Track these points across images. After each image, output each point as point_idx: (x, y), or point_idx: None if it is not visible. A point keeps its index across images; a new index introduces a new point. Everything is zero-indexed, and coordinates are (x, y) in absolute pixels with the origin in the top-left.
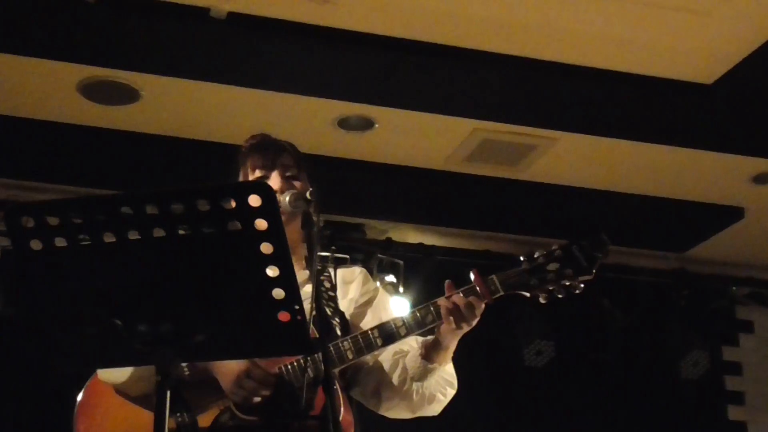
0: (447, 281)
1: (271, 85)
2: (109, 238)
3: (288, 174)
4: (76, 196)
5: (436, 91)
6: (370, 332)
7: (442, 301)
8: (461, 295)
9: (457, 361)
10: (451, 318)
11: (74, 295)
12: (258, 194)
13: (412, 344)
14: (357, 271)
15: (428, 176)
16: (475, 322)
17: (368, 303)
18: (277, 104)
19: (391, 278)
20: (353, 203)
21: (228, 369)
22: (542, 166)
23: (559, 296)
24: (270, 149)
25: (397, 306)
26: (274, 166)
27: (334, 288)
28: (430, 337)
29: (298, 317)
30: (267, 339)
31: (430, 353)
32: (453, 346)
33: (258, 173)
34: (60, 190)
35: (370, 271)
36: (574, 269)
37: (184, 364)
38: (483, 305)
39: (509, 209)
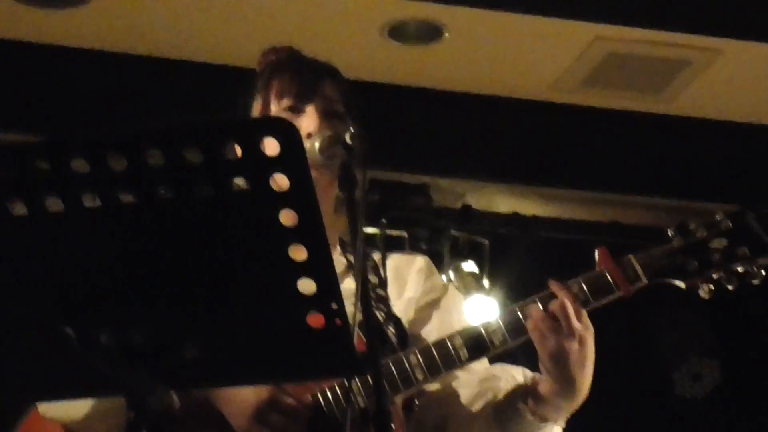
0: (550, 281)
1: None
2: (54, 205)
3: (330, 111)
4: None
5: None
6: (449, 341)
7: (532, 310)
8: (546, 317)
9: None
10: (541, 349)
11: (2, 292)
12: (276, 136)
13: (514, 374)
14: (417, 261)
15: (526, 110)
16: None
17: (434, 304)
18: (298, 4)
19: (470, 266)
20: (413, 153)
21: (241, 399)
22: (699, 92)
23: (730, 287)
24: (307, 71)
25: (479, 307)
26: (313, 97)
27: (384, 283)
28: (538, 374)
29: (337, 321)
30: (291, 354)
31: (534, 396)
32: (569, 392)
33: (286, 103)
34: None
35: (440, 257)
36: (751, 247)
37: (172, 393)
38: (576, 319)
39: (650, 159)
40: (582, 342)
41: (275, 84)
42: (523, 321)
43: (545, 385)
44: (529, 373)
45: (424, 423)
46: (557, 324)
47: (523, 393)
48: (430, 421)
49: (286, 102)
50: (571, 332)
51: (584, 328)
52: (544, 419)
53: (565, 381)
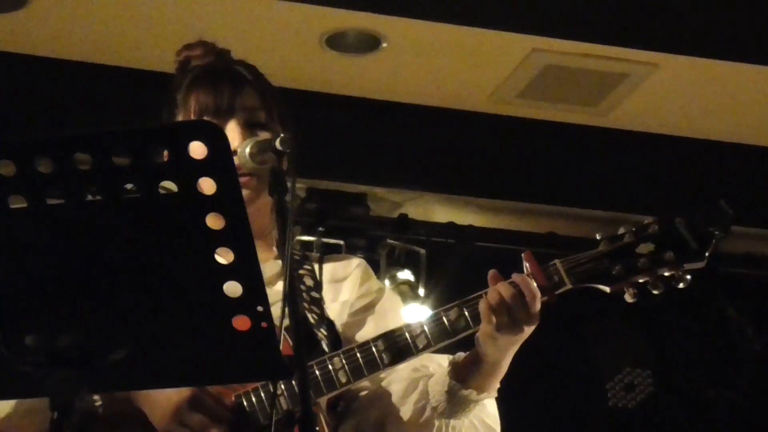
0: (491, 271)
1: None
2: None
3: (252, 121)
4: None
5: None
6: (372, 344)
7: (481, 297)
8: (508, 284)
9: (504, 400)
10: (494, 318)
11: None
12: (203, 140)
13: (440, 362)
14: (353, 264)
15: (464, 121)
16: (529, 328)
17: (368, 308)
18: (236, 13)
19: (406, 275)
20: (351, 162)
21: (162, 398)
22: (634, 105)
23: (655, 292)
24: (225, 81)
25: (414, 316)
26: (232, 111)
27: (319, 287)
28: (463, 353)
29: (263, 324)
30: (217, 357)
31: (464, 373)
32: (501, 366)
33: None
34: None
35: (377, 265)
36: (677, 252)
37: (95, 394)
38: (539, 299)
39: (585, 171)
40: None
41: (193, 101)
42: (449, 325)
43: (471, 360)
44: (451, 357)
45: (363, 423)
46: (506, 308)
47: (453, 372)
48: (371, 420)
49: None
50: (531, 312)
51: (529, 318)
52: (481, 390)
53: (494, 357)
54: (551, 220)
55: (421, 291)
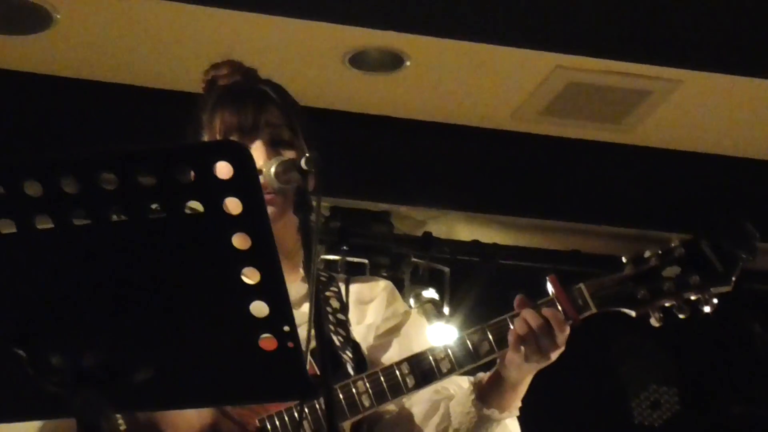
0: (518, 297)
1: (250, 3)
2: (5, 227)
3: (277, 139)
4: None
5: (496, 9)
6: (396, 368)
7: (508, 323)
8: (535, 312)
9: (527, 418)
10: (522, 348)
11: None
12: (228, 160)
13: (461, 384)
14: (379, 286)
15: (487, 139)
16: (555, 355)
17: (394, 330)
18: (260, 32)
19: (431, 293)
20: (375, 181)
21: (185, 422)
22: (658, 122)
23: (681, 316)
24: (249, 100)
25: (440, 335)
26: (257, 129)
27: (345, 308)
28: (485, 373)
29: (289, 344)
30: (243, 377)
31: (486, 394)
32: (522, 386)
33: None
34: None
35: (401, 284)
36: (703, 275)
37: (119, 416)
38: (567, 328)
39: (609, 189)
40: (545, 357)
41: (218, 121)
42: (473, 349)
43: (493, 381)
44: (472, 378)
45: None
46: (533, 337)
47: (475, 392)
48: None
49: (232, 138)
50: (558, 342)
51: (554, 346)
52: (503, 409)
53: (516, 379)
54: (575, 238)
55: (446, 309)
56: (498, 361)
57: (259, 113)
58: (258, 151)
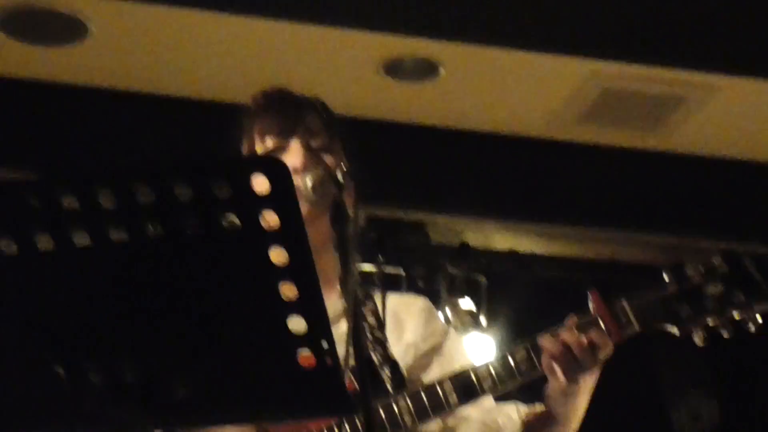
0: (570, 318)
1: (285, 12)
2: (44, 243)
3: (314, 144)
4: None
5: (530, 16)
6: (438, 385)
7: (545, 342)
8: (574, 330)
9: None
10: (557, 367)
11: None
12: (266, 174)
13: (511, 414)
14: (418, 304)
15: (522, 147)
16: (597, 371)
17: (434, 350)
18: (294, 41)
19: (467, 304)
20: (410, 190)
21: None
22: (694, 128)
23: (725, 335)
24: (288, 107)
25: (477, 346)
26: (294, 131)
27: (382, 325)
28: (536, 408)
29: (328, 360)
30: (282, 393)
31: (537, 429)
32: (574, 418)
33: (270, 142)
34: None
35: (437, 294)
36: (747, 293)
37: None
38: (611, 345)
39: (646, 196)
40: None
41: (258, 125)
42: (516, 366)
43: (544, 420)
44: (522, 408)
45: None
46: (572, 357)
47: (524, 428)
48: None
49: (269, 141)
50: (599, 359)
51: (593, 363)
52: None
53: (565, 412)
54: (612, 246)
55: (483, 320)
56: (544, 398)
57: (298, 117)
58: (295, 152)
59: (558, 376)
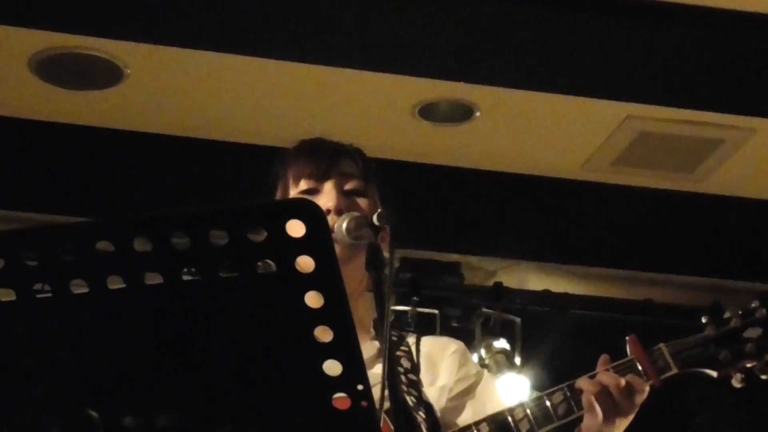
0: (603, 357)
1: (320, 57)
2: (79, 287)
3: (348, 187)
4: (29, 226)
5: (566, 60)
6: (475, 428)
7: (583, 383)
8: (611, 372)
9: None
10: (597, 407)
11: (25, 374)
12: (301, 218)
13: None
14: (452, 347)
15: (558, 189)
16: (633, 414)
17: (467, 392)
18: (329, 85)
19: (502, 343)
20: (445, 231)
21: None
22: (730, 171)
23: (764, 377)
24: (323, 152)
25: (512, 386)
26: (328, 175)
27: (416, 368)
28: None
29: (363, 403)
30: None
31: None
32: None
33: (304, 185)
34: (7, 217)
35: (471, 335)
36: None
37: None
38: (647, 389)
39: (682, 238)
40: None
41: (293, 169)
42: (552, 409)
43: None
44: None
45: None
46: (610, 399)
47: None
48: None
49: (303, 184)
50: (636, 403)
51: (632, 406)
52: None
53: None
54: (648, 288)
55: (518, 360)
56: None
57: (333, 161)
58: (330, 194)
59: (597, 413)
